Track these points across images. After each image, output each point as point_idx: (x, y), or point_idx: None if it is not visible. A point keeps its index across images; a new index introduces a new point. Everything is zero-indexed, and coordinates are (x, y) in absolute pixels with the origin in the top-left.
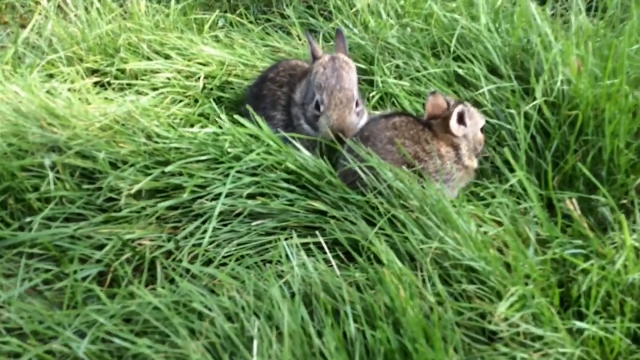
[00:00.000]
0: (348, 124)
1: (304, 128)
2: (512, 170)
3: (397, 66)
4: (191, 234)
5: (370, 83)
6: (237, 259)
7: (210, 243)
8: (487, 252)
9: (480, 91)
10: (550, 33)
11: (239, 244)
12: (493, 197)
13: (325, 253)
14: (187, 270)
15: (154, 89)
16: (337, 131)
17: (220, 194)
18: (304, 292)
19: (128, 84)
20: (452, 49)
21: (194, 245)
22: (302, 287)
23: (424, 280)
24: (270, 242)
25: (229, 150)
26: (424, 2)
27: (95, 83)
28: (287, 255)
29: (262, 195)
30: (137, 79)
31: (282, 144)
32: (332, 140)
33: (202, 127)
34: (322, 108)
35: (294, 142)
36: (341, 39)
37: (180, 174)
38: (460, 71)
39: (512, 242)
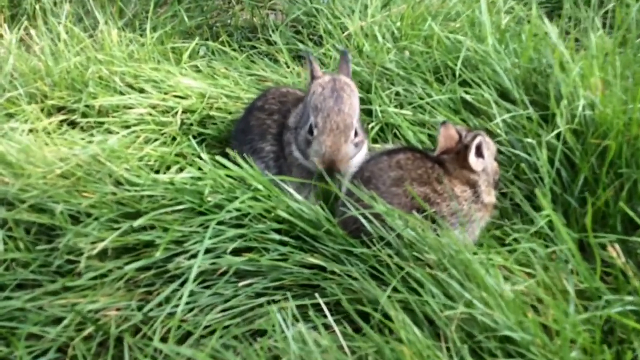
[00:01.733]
0: (342, 154)
1: (295, 156)
2: (535, 207)
3: (397, 93)
4: (167, 300)
5: (369, 113)
6: (221, 329)
7: (190, 310)
8: (524, 315)
9: (497, 121)
10: (567, 52)
11: (223, 310)
12: (516, 240)
13: (325, 316)
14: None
15: (126, 127)
16: (328, 161)
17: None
18: None
19: (97, 122)
20: (457, 73)
21: (169, 314)
22: None
23: (450, 356)
24: (260, 305)
25: (209, 198)
26: (422, 23)
27: (62, 122)
28: (281, 325)
29: (250, 250)
30: (107, 115)
31: (272, 187)
32: (324, 178)
33: (180, 169)
34: (315, 132)
35: (284, 186)
36: (345, 60)
37: (153, 227)
38: (467, 97)
39: (550, 299)
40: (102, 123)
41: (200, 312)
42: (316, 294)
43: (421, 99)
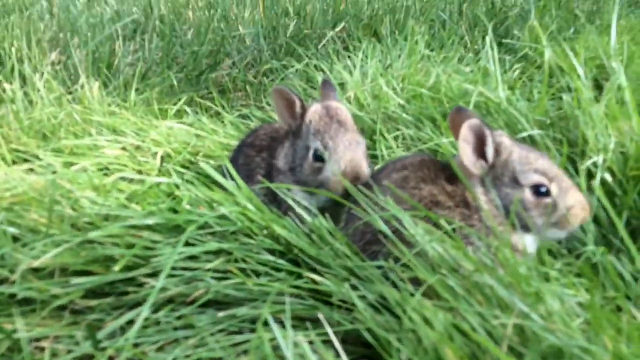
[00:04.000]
0: (365, 168)
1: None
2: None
3: (404, 137)
4: (122, 331)
5: (373, 158)
6: None
7: (154, 344)
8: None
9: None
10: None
11: (197, 346)
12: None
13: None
14: None
15: (99, 169)
16: (353, 175)
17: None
18: None
19: (66, 163)
20: None
21: (118, 349)
22: None
23: None
24: (246, 342)
25: (187, 206)
26: (427, 77)
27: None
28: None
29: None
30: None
31: (264, 208)
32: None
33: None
34: (326, 155)
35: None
36: (329, 88)
37: (116, 244)
38: None
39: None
40: (71, 164)
41: (164, 346)
42: (320, 315)
43: (431, 141)
